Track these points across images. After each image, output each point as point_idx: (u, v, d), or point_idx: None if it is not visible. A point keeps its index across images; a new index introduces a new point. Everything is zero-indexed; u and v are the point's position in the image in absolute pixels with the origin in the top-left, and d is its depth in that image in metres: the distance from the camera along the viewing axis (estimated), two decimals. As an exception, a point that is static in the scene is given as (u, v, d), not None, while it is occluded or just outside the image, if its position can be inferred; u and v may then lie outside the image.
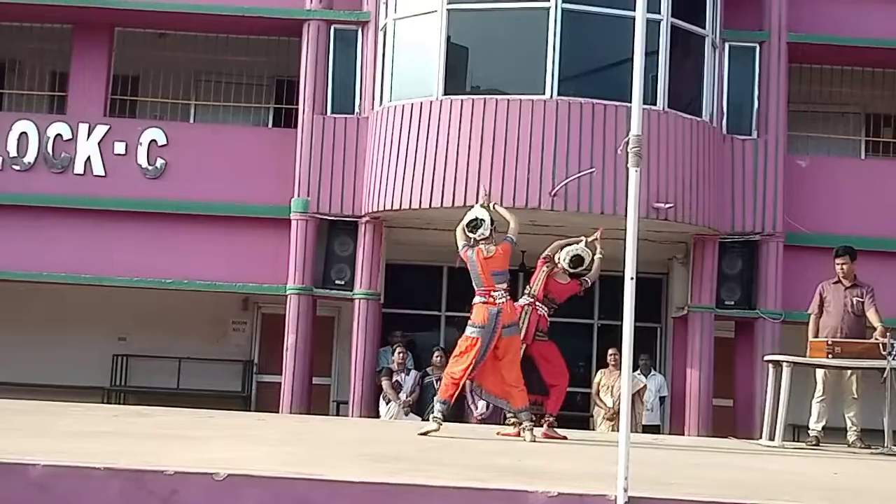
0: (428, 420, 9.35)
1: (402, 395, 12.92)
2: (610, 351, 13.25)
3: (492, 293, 8.96)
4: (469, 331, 9.03)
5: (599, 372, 13.48)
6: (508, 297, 9.01)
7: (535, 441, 8.82)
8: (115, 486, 5.11)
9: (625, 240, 5.67)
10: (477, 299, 9.05)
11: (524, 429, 8.94)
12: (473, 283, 9.11)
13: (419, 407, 13.16)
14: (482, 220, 9.12)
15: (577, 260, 9.43)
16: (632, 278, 5.38)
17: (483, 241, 9.07)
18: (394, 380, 13.03)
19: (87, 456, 5.64)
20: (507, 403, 9.16)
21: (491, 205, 9.49)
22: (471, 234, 9.10)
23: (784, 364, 10.15)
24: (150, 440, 7.35)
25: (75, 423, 8.56)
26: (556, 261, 9.47)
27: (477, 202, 9.59)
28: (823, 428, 10.51)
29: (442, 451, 7.69)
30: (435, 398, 9.26)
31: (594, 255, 9.59)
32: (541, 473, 6.44)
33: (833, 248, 11.00)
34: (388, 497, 5.19)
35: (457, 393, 9.10)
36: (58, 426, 8.12)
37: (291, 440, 8.26)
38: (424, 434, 8.80)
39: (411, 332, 15.23)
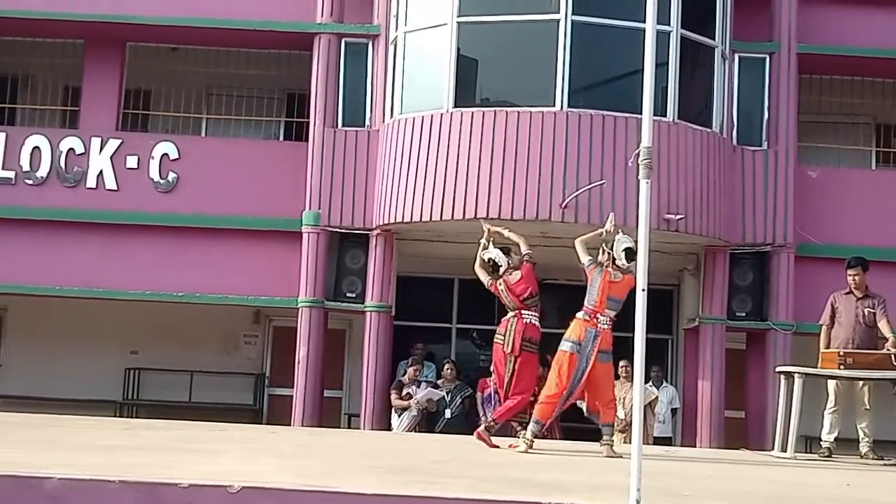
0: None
1: (413, 402, 12.89)
2: (621, 363, 13.18)
3: (598, 315, 9.00)
4: (564, 346, 9.04)
5: (611, 384, 13.42)
6: (610, 326, 9.04)
7: (612, 456, 8.84)
8: (130, 498, 5.14)
9: (648, 251, 5.69)
10: (579, 315, 9.08)
11: (603, 443, 9.05)
12: (585, 299, 9.11)
13: (431, 419, 13.17)
14: (636, 252, 9.09)
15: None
16: (643, 290, 5.39)
17: (614, 267, 9.09)
18: (404, 393, 13.03)
19: (101, 469, 5.67)
20: (596, 417, 9.32)
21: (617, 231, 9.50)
22: (625, 263, 9.04)
23: (796, 375, 10.14)
24: (163, 453, 7.37)
25: (89, 436, 8.58)
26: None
27: (607, 230, 9.47)
28: (836, 439, 10.49)
29: (454, 464, 7.70)
30: (531, 418, 9.16)
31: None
32: (553, 485, 6.45)
33: (844, 259, 11.00)
34: (401, 509, 5.21)
35: (554, 413, 9.10)
36: (71, 439, 8.15)
37: (304, 453, 8.27)
38: (517, 448, 8.99)
39: (423, 344, 15.20)
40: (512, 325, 9.42)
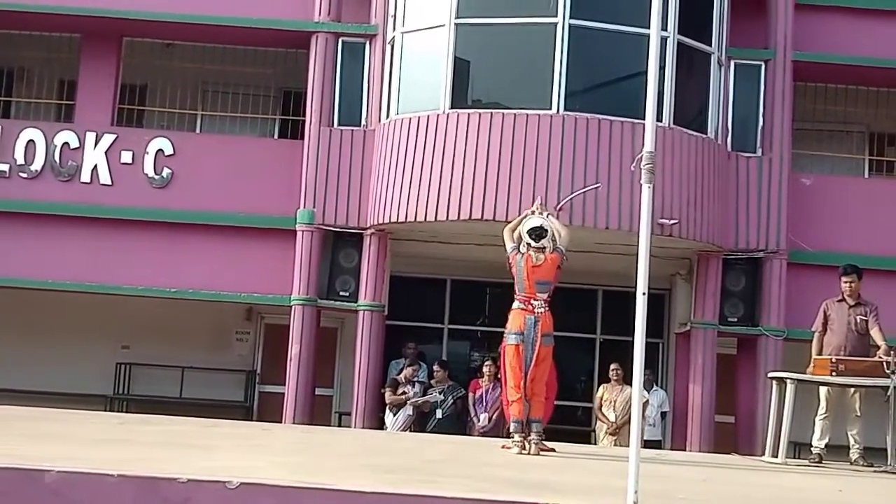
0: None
1: (411, 402, 12.95)
2: (612, 366, 13.26)
3: (531, 301, 8.97)
4: (509, 339, 9.03)
5: (602, 387, 13.48)
6: (547, 308, 9.03)
7: (539, 454, 8.85)
8: (129, 492, 5.14)
9: (636, 255, 5.73)
10: (515, 305, 9.07)
11: (531, 441, 8.96)
12: (515, 288, 9.11)
13: (422, 419, 13.19)
14: (546, 229, 9.11)
15: (538, 231, 9.14)
16: (644, 293, 5.44)
17: (534, 249, 9.08)
18: (399, 391, 13.06)
19: (99, 462, 5.66)
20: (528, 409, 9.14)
21: (545, 215, 9.52)
22: (532, 242, 9.06)
23: (788, 381, 10.18)
24: (159, 448, 7.38)
25: (84, 430, 8.58)
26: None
27: (532, 211, 9.53)
28: (826, 445, 10.55)
29: (447, 464, 7.73)
30: (511, 421, 9.19)
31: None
32: (546, 486, 6.47)
33: (837, 267, 11.06)
34: (399, 508, 5.22)
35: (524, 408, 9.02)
36: (67, 433, 8.15)
37: (299, 450, 8.29)
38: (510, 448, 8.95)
39: (414, 344, 15.23)
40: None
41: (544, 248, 9.08)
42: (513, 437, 9.05)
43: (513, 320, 9.04)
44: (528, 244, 9.10)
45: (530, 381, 8.99)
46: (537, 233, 9.12)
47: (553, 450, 9.35)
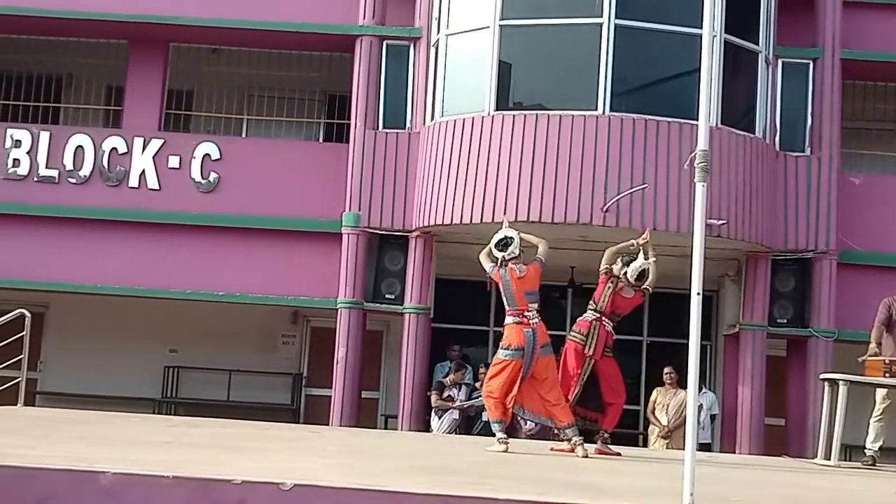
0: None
1: (457, 405, 12.95)
2: (666, 369, 13.16)
3: (525, 313, 8.98)
4: (502, 353, 9.01)
5: (655, 390, 13.36)
6: (539, 317, 9.04)
7: (587, 456, 8.82)
8: (183, 494, 5.15)
9: (684, 256, 5.68)
10: (509, 320, 9.06)
11: (576, 444, 8.95)
12: (505, 304, 9.12)
13: (468, 421, 13.18)
14: (511, 238, 9.16)
15: (642, 274, 9.41)
16: (698, 294, 5.39)
17: (513, 261, 9.08)
18: (445, 395, 13.05)
19: (152, 464, 5.69)
20: (552, 421, 9.19)
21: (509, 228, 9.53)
22: (500, 254, 9.11)
23: (840, 382, 10.07)
24: (210, 450, 7.41)
25: (135, 432, 8.65)
26: (619, 275, 9.42)
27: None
28: (880, 448, 10.42)
29: (498, 466, 7.69)
30: (490, 420, 9.27)
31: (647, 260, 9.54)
32: (601, 489, 6.44)
33: (888, 267, 10.96)
34: (453, 510, 5.20)
35: (508, 410, 9.06)
36: (119, 435, 8.21)
37: (349, 452, 8.28)
38: (493, 448, 8.91)
39: (459, 346, 15.21)
40: (595, 330, 9.35)
41: (518, 257, 9.09)
42: (497, 437, 9.05)
43: (511, 335, 9.00)
44: (501, 258, 9.09)
45: (541, 397, 9.00)
46: (503, 243, 9.16)
47: (618, 454, 9.34)
